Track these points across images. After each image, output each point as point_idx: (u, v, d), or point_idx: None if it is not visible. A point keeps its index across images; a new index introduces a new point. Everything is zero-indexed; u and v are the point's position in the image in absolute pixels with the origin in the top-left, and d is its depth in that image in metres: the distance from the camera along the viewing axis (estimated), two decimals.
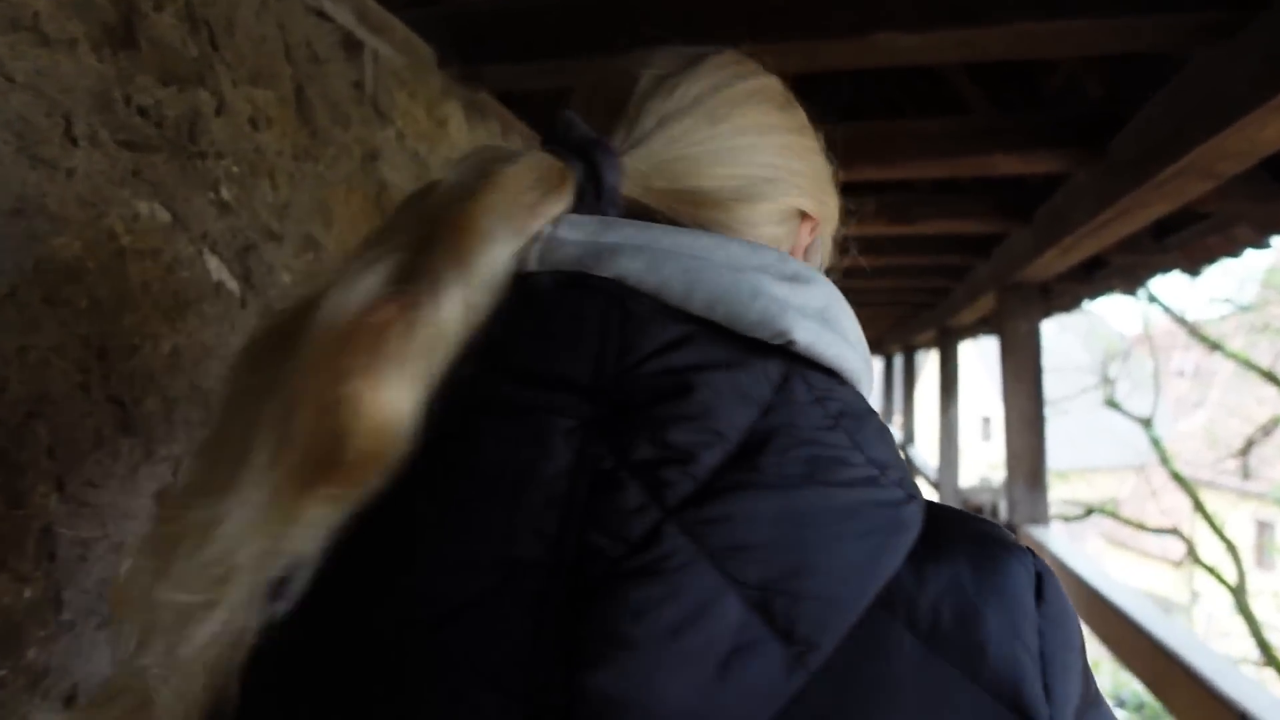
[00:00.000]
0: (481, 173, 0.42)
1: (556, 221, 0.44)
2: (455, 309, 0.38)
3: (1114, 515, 11.57)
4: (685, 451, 0.37)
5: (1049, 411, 4.44)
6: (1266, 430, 10.41)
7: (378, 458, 0.36)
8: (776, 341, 0.41)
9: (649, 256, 0.42)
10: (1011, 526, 4.22)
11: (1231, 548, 8.71)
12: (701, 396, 0.38)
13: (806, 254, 0.55)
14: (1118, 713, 2.49)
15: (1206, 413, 19.45)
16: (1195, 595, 15.43)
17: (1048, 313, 4.91)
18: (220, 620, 0.36)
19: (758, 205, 0.49)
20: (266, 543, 0.36)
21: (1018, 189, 3.55)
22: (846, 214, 0.58)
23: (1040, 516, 4.22)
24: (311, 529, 0.37)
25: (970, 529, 0.42)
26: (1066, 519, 11.66)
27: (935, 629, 0.37)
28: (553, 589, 0.35)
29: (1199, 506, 9.23)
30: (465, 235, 0.39)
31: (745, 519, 0.36)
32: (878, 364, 9.86)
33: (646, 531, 0.35)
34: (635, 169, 0.47)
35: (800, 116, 0.54)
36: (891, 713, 0.36)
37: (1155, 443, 10.28)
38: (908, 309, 7.51)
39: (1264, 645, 8.09)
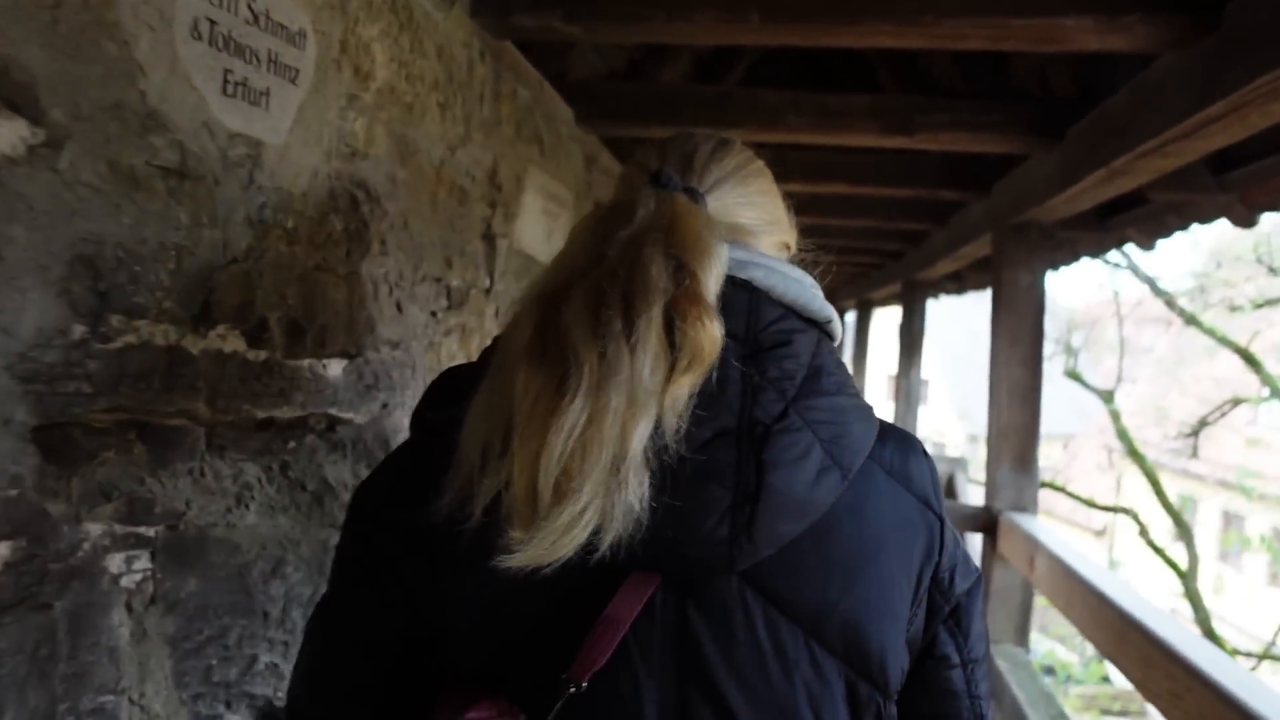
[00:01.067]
0: (666, 203, 0.73)
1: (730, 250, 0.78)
2: (713, 282, 0.69)
3: (1063, 490, 11.16)
4: (790, 373, 0.72)
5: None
6: (1222, 410, 10.10)
7: (712, 351, 0.67)
8: (820, 320, 0.79)
9: (765, 270, 0.77)
10: (990, 514, 3.58)
11: (1186, 531, 8.39)
12: (795, 347, 0.74)
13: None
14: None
15: (1152, 387, 19.29)
16: (1114, 564, 15.26)
17: (1053, 264, 4.20)
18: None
19: (768, 237, 0.86)
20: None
21: (1049, 105, 2.80)
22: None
23: (1028, 503, 3.57)
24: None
25: (897, 429, 0.82)
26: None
27: (892, 469, 0.78)
28: (742, 438, 0.68)
29: (1156, 486, 8.86)
30: (696, 241, 0.70)
31: (819, 407, 0.72)
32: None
33: (780, 412, 0.70)
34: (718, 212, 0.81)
35: (773, 181, 0.90)
36: (878, 501, 0.76)
37: (1115, 416, 9.92)
38: (875, 257, 6.80)
39: (1210, 633, 7.79)
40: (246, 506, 1.38)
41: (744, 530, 0.67)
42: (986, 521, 3.64)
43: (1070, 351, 11.69)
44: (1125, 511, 9.38)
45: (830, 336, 0.79)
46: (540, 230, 2.82)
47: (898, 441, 0.79)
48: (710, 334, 0.65)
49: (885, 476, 0.77)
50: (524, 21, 2.08)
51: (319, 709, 0.79)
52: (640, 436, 0.62)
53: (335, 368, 1.60)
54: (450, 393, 0.75)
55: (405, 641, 0.76)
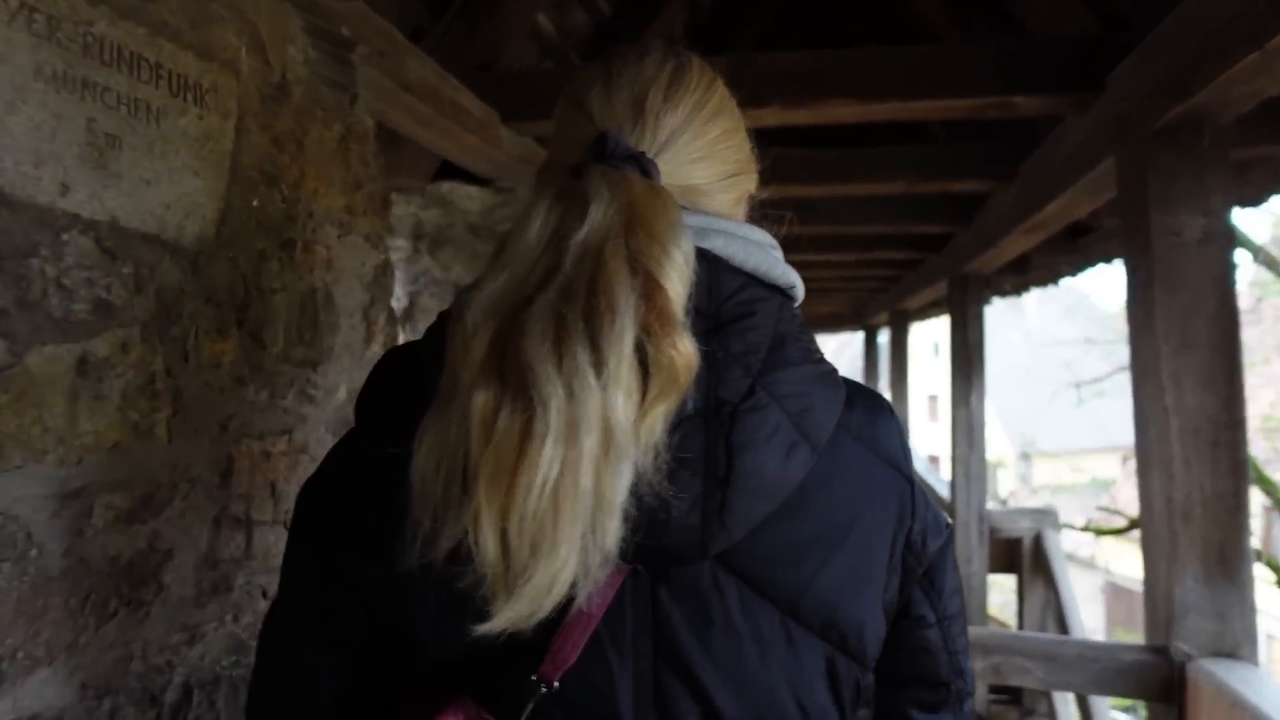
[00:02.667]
0: (620, 188, 0.64)
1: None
2: (680, 286, 0.62)
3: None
4: (755, 346, 0.67)
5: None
6: None
7: (688, 374, 0.60)
8: (784, 285, 0.74)
9: (724, 237, 0.71)
10: (1169, 663, 1.93)
11: None
12: (758, 318, 0.68)
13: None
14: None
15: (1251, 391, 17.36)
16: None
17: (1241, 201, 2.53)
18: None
19: (727, 194, 0.77)
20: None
21: None
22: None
23: (1239, 642, 1.91)
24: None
25: (863, 390, 0.77)
26: (1099, 532, 9.48)
27: (860, 435, 0.72)
28: (709, 420, 0.63)
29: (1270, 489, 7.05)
30: (661, 234, 0.63)
31: (785, 380, 0.66)
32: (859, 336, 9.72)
33: (747, 389, 0.65)
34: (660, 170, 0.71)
35: (735, 109, 0.79)
36: (848, 471, 0.71)
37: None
38: (908, 251, 5.20)
39: None
40: None
41: (716, 516, 0.64)
42: (1163, 678, 1.96)
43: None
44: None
45: (792, 300, 0.75)
46: None
47: (865, 404, 0.75)
48: (685, 357, 0.60)
49: (853, 443, 0.73)
50: None
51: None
52: (621, 486, 0.58)
53: None
54: (395, 380, 0.73)
55: (365, 642, 0.72)
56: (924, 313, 7.30)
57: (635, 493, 0.58)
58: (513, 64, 2.81)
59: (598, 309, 0.58)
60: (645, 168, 0.67)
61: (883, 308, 7.56)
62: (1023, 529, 4.82)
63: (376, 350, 1.63)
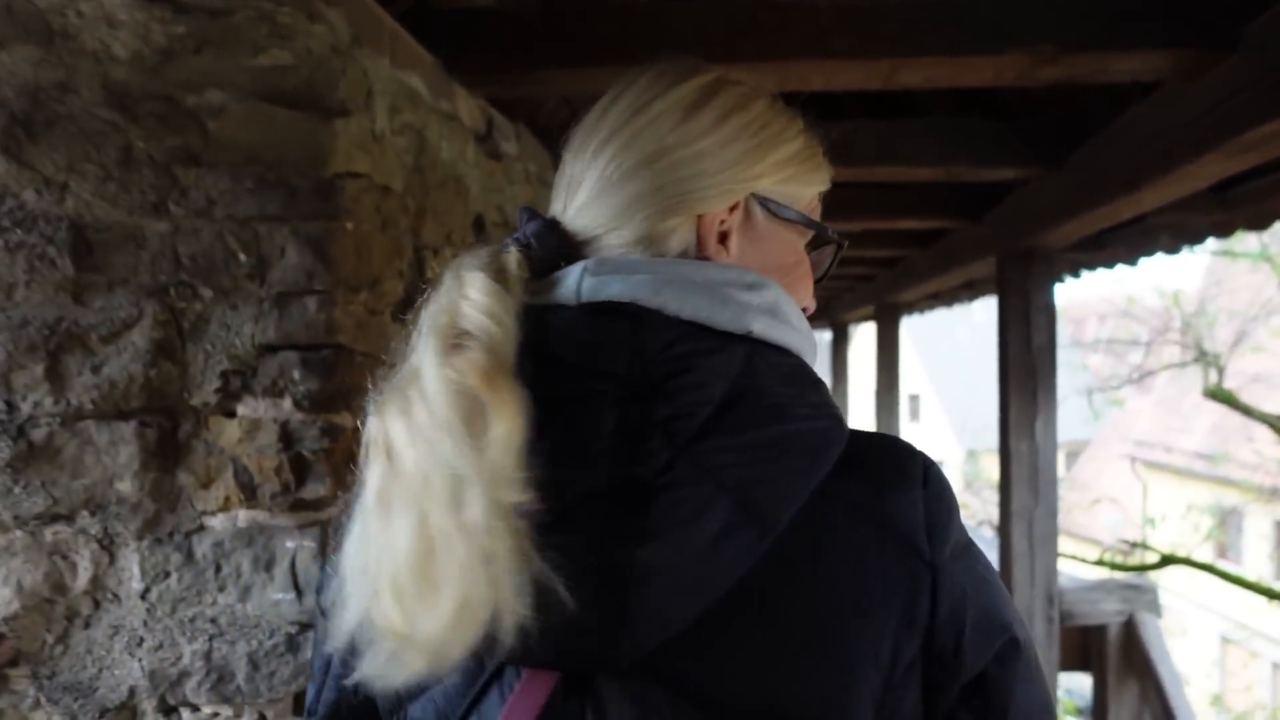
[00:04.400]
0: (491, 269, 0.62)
1: (587, 269, 0.63)
2: (508, 349, 0.57)
3: (1202, 566, 8.12)
4: (687, 410, 0.56)
5: None
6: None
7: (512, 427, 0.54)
8: (741, 332, 0.60)
9: (652, 283, 0.61)
10: None
11: None
12: (695, 374, 0.57)
13: (749, 222, 0.69)
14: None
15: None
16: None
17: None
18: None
19: (665, 220, 0.66)
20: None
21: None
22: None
23: None
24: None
25: (878, 441, 0.62)
26: (1125, 568, 8.05)
27: (859, 507, 0.58)
28: (614, 501, 0.55)
29: None
30: (490, 319, 0.58)
31: (725, 447, 0.56)
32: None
33: (664, 463, 0.55)
34: (573, 228, 0.68)
35: (702, 119, 0.67)
36: (831, 555, 0.57)
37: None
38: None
39: None
40: None
41: (615, 618, 0.54)
42: None
43: (1209, 361, 8.85)
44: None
45: (769, 345, 0.63)
46: None
47: (872, 466, 0.61)
48: (503, 398, 0.55)
49: (848, 518, 0.59)
50: None
51: None
52: (475, 511, 0.53)
53: None
54: None
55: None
56: (919, 305, 5.94)
57: (535, 583, 0.53)
58: None
59: (421, 373, 0.58)
60: (542, 240, 0.67)
61: (866, 300, 6.19)
62: (1106, 613, 3.36)
63: None
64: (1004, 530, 3.28)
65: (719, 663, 0.55)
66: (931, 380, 24.64)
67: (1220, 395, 8.65)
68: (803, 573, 0.56)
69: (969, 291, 5.16)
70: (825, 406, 0.60)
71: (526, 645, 0.52)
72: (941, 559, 0.58)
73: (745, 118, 0.67)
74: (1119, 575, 3.33)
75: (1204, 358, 8.88)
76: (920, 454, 0.63)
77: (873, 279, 5.76)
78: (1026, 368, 3.21)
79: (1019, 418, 3.20)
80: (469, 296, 0.59)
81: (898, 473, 0.60)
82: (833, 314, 7.44)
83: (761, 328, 0.61)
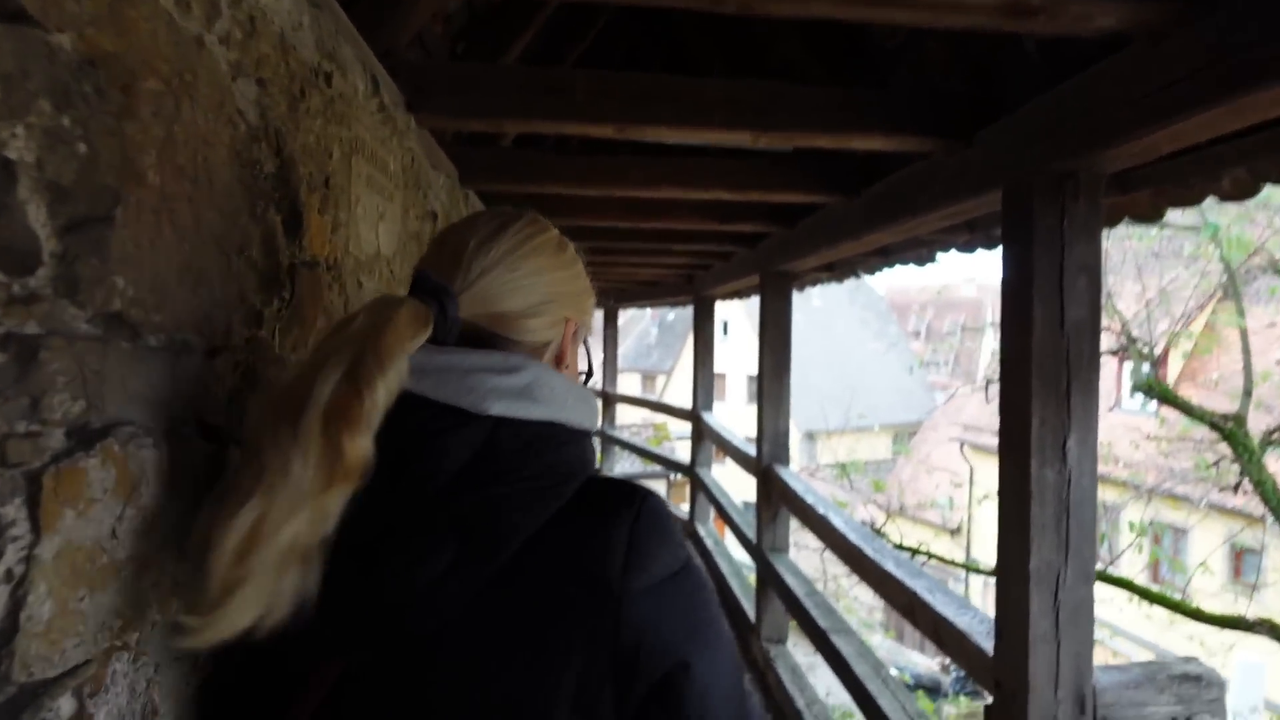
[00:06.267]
0: (384, 314, 0.76)
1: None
2: (382, 396, 0.72)
3: (938, 558, 7.60)
4: (435, 469, 0.74)
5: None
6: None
7: (360, 467, 0.70)
8: (481, 412, 0.76)
9: (434, 377, 0.77)
10: None
11: None
12: (439, 443, 0.74)
13: (575, 335, 0.92)
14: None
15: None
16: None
17: None
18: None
19: (537, 318, 0.87)
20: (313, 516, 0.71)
21: None
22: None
23: None
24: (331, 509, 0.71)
25: (605, 490, 0.79)
26: (916, 551, 7.47)
27: (560, 550, 0.73)
28: (374, 539, 0.75)
29: None
30: (385, 356, 0.73)
31: (461, 502, 0.73)
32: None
33: (422, 519, 0.74)
34: (467, 302, 0.83)
35: (568, 254, 0.92)
36: (533, 588, 0.72)
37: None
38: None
39: None
40: None
41: (351, 635, 0.74)
42: None
43: (1138, 355, 7.94)
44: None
45: (511, 422, 0.78)
46: None
47: (590, 512, 0.77)
48: (358, 449, 0.69)
49: (549, 559, 0.74)
50: None
51: None
52: (292, 535, 0.69)
53: None
54: None
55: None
56: (816, 277, 4.88)
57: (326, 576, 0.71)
58: None
59: (305, 401, 0.71)
60: (442, 300, 0.81)
61: (750, 269, 4.81)
62: (1156, 718, 1.99)
63: None
64: (1008, 599, 1.87)
65: (446, 659, 0.73)
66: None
67: (1155, 390, 7.79)
68: (506, 602, 0.72)
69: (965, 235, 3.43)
70: (559, 466, 0.78)
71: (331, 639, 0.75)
72: (632, 590, 0.73)
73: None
74: (1171, 662, 2.06)
75: (1133, 347, 8.01)
76: (639, 499, 0.78)
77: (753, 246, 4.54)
78: (1054, 355, 1.80)
79: (1042, 430, 1.79)
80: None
81: (610, 516, 0.76)
82: (698, 289, 6.50)
83: (499, 408, 0.77)
